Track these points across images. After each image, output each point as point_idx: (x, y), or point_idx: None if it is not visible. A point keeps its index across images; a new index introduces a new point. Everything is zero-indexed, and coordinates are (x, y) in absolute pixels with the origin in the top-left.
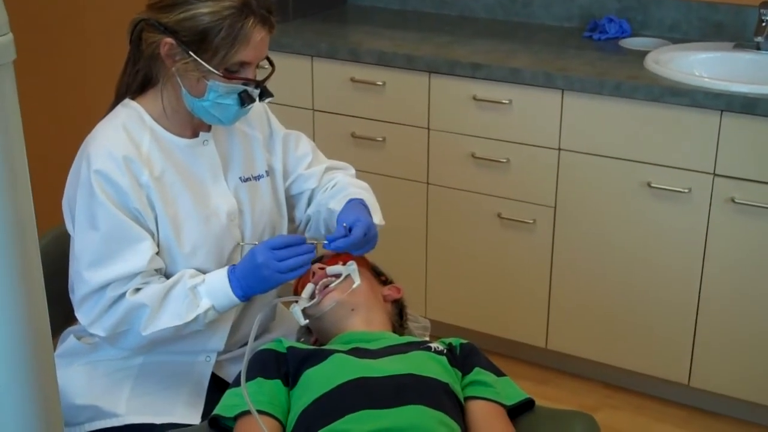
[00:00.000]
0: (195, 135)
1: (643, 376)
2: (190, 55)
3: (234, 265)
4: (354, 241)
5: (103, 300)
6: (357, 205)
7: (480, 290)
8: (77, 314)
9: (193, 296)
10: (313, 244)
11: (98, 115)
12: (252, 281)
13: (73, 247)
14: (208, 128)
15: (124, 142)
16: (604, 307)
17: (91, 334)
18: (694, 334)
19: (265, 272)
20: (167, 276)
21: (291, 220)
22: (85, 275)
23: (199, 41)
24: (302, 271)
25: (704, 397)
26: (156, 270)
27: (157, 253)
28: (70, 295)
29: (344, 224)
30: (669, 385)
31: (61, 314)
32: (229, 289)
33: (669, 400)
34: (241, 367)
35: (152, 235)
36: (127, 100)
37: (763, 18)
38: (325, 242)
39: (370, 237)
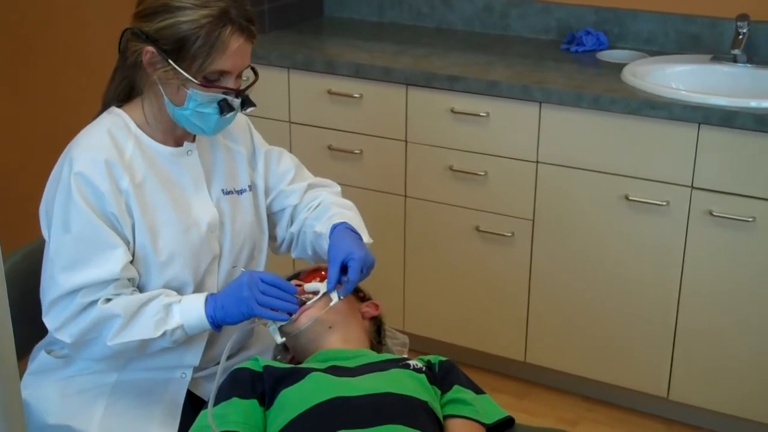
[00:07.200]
0: (179, 144)
1: (623, 390)
2: (170, 64)
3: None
4: (354, 284)
5: (73, 305)
6: (344, 234)
7: (458, 303)
8: (45, 318)
9: (165, 313)
10: (298, 299)
11: (80, 126)
12: (229, 299)
13: (47, 250)
14: (193, 139)
15: (108, 146)
16: (583, 320)
17: (59, 343)
18: (673, 347)
19: (245, 293)
20: (140, 287)
21: (273, 238)
22: (58, 278)
23: (178, 50)
24: (274, 315)
25: (683, 411)
26: (129, 280)
27: (132, 262)
28: (41, 299)
29: (343, 263)
30: (648, 398)
31: (34, 332)
32: (203, 309)
33: (648, 413)
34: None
35: (128, 243)
36: (112, 108)
37: (739, 30)
38: (325, 291)
39: (367, 269)
